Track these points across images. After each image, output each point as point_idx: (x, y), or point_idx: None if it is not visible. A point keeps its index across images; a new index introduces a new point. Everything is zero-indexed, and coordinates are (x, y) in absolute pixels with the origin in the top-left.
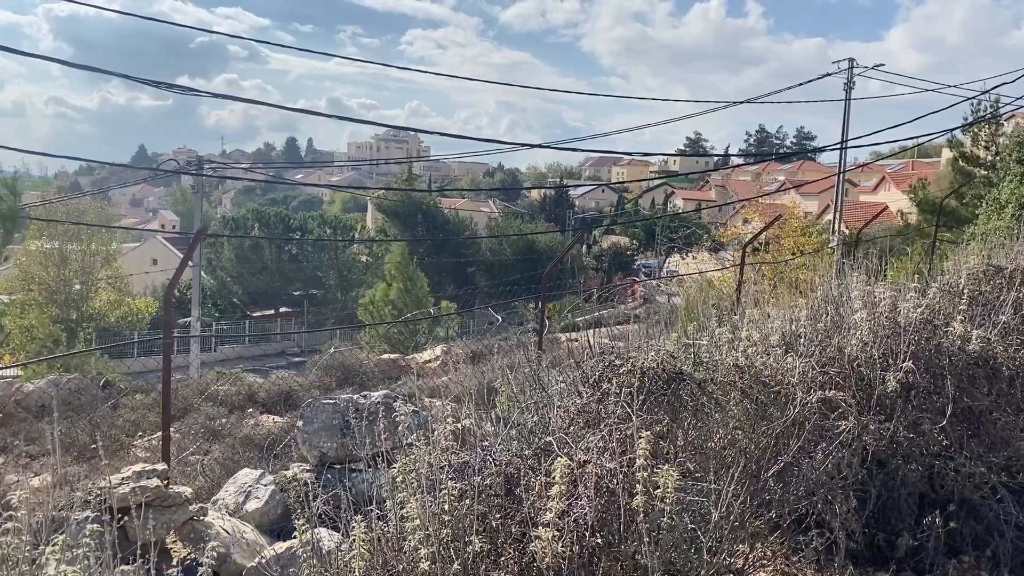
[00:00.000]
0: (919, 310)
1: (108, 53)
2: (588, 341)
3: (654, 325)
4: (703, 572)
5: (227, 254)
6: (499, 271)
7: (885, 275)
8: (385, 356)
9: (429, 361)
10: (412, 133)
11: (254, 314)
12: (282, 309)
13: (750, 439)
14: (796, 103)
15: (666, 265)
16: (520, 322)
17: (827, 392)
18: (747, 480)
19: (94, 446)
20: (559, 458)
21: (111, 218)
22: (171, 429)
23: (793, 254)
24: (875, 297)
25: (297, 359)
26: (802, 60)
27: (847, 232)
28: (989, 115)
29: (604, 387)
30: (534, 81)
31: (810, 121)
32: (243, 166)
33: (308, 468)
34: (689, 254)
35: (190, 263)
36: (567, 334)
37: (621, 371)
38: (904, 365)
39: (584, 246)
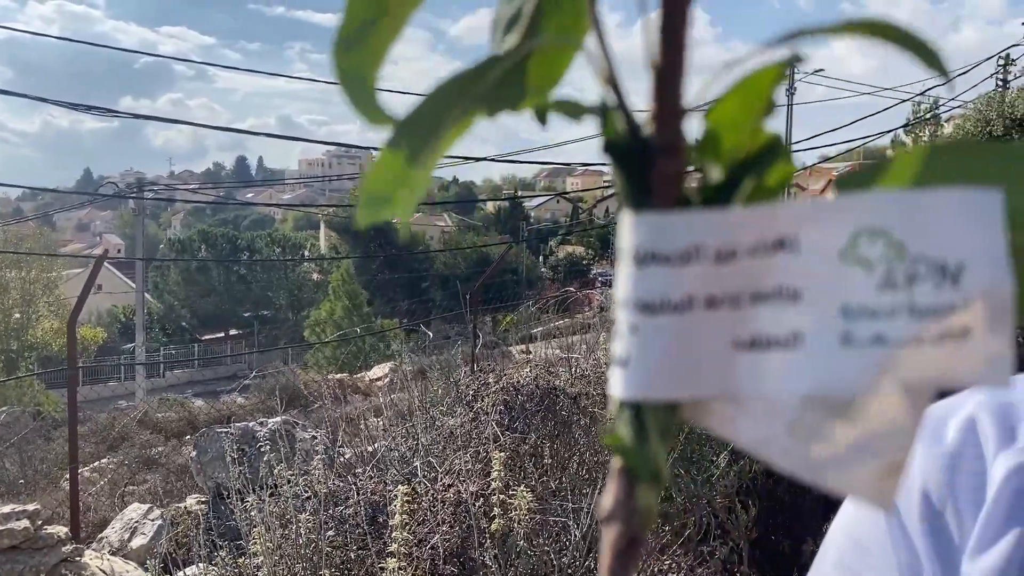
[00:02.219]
0: None
1: (51, 75)
2: (540, 353)
3: (599, 334)
4: None
5: (174, 277)
6: (454, 284)
7: None
8: (333, 376)
9: (378, 379)
10: (365, 149)
11: (203, 337)
12: (232, 331)
13: None
14: None
15: None
16: (465, 338)
17: None
18: None
19: (22, 480)
20: (401, 485)
21: (54, 244)
22: (105, 460)
23: None
24: None
25: (248, 381)
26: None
27: None
28: (928, 116)
29: (477, 406)
30: None
31: None
32: (190, 187)
33: (203, 500)
34: None
35: (135, 287)
36: (523, 346)
37: (494, 389)
38: None
39: (540, 257)
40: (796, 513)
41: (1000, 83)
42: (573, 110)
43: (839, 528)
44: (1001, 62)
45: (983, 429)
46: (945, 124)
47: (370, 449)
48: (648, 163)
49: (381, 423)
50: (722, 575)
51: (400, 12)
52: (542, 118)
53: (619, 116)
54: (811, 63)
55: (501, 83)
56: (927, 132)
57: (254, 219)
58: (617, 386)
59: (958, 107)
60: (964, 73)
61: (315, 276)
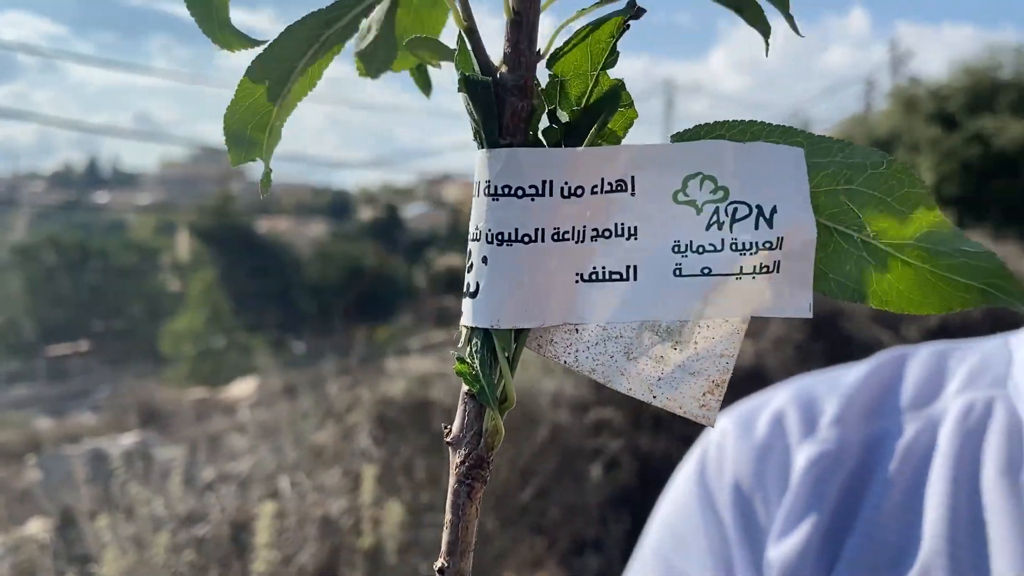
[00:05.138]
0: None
1: None
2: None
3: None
4: None
5: (17, 285)
6: (326, 296)
7: None
8: (192, 392)
9: (242, 395)
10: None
11: (51, 351)
12: (83, 345)
13: (508, 462)
14: None
15: None
16: (341, 352)
17: (599, 411)
18: (504, 506)
19: None
20: (266, 505)
21: None
22: None
23: None
24: None
25: (100, 398)
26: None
27: None
28: None
29: (349, 421)
30: (363, 96)
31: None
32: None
33: (49, 525)
34: None
35: None
36: (399, 359)
37: (367, 403)
38: None
39: (418, 268)
40: None
41: (865, 105)
42: (432, 52)
43: (657, 519)
44: (866, 85)
45: (789, 423)
46: None
47: (234, 467)
48: (500, 102)
49: (245, 441)
50: None
51: None
52: (421, 82)
53: (474, 58)
54: (694, 77)
55: (376, 42)
56: None
57: (112, 222)
58: (466, 315)
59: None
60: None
61: (174, 285)
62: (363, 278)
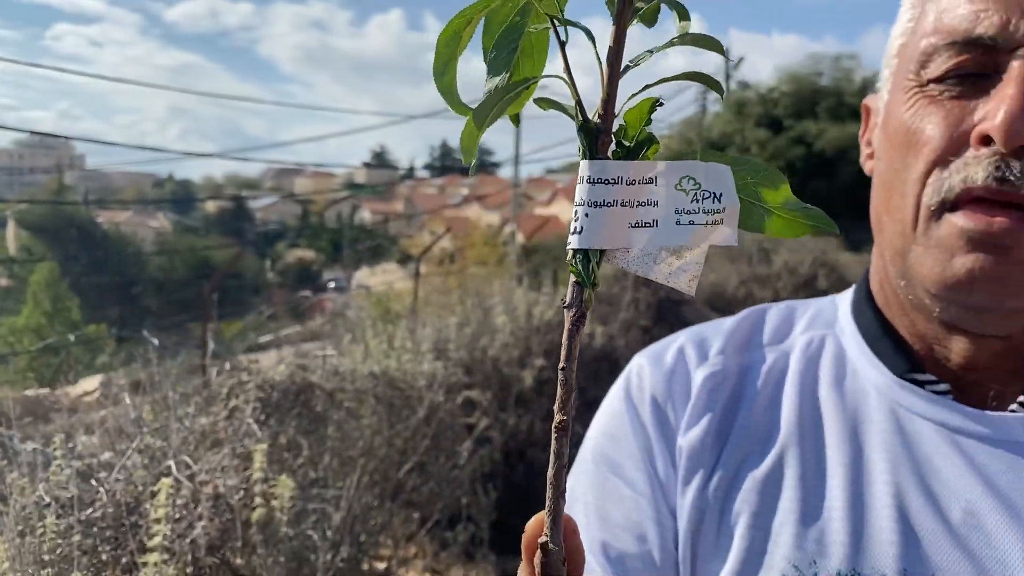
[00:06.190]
0: (551, 311)
1: None
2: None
3: (338, 341)
4: (325, 574)
5: None
6: (171, 289)
7: (558, 280)
8: (30, 392)
9: (86, 394)
10: (63, 139)
11: None
12: None
13: (386, 441)
14: None
15: (355, 278)
16: (198, 344)
17: (469, 392)
18: (382, 482)
19: None
20: (164, 480)
21: None
22: None
23: (476, 265)
24: (513, 302)
25: None
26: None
27: (524, 242)
28: None
29: (232, 404)
30: (208, 86)
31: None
32: None
33: None
34: (378, 267)
35: None
36: (250, 355)
37: (248, 387)
38: (538, 363)
39: (267, 261)
40: (531, 495)
41: (700, 108)
42: (554, 104)
43: (594, 430)
44: (701, 89)
45: (688, 354)
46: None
47: (113, 459)
48: (595, 136)
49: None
50: (464, 558)
51: (459, 52)
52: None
53: (582, 112)
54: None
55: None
56: None
57: None
58: (573, 242)
59: (665, 129)
60: (670, 99)
61: (2, 282)
62: (210, 271)
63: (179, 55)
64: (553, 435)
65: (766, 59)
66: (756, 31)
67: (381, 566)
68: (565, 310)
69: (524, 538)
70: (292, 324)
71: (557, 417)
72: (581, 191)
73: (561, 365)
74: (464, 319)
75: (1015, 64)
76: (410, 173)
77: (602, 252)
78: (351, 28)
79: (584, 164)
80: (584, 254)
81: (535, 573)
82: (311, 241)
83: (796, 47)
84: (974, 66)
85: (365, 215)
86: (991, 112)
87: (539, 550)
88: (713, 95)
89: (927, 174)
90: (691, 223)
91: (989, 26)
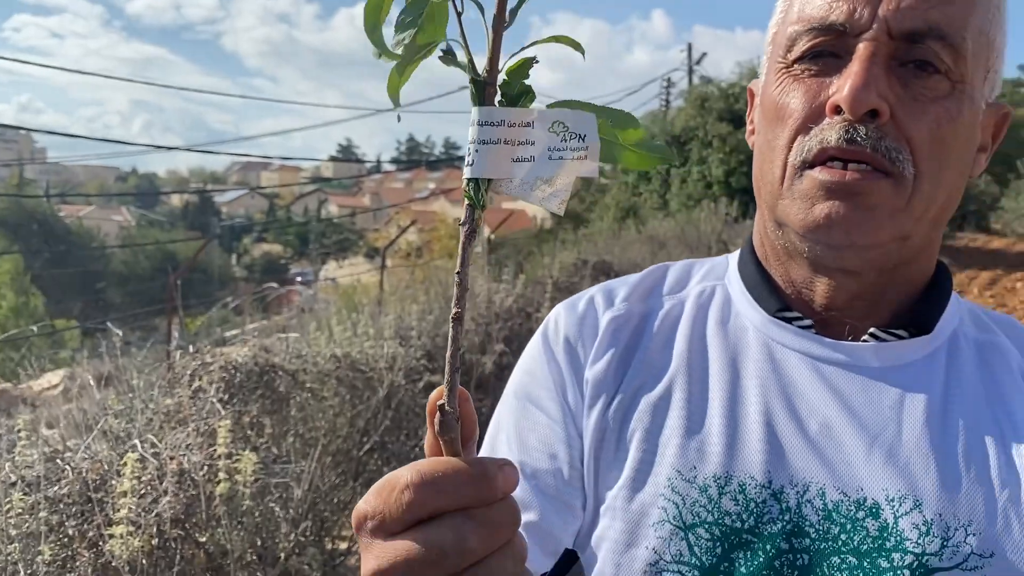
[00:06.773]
0: (511, 299)
1: None
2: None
3: (305, 332)
4: (287, 547)
5: None
6: (135, 284)
7: (522, 271)
8: None
9: (49, 388)
10: (23, 132)
11: None
12: None
13: (348, 422)
14: (443, 113)
15: (322, 272)
16: (163, 340)
17: (432, 377)
18: (345, 461)
19: None
20: (130, 454)
21: None
22: None
23: (442, 258)
24: (475, 291)
25: None
26: (446, 71)
27: (490, 236)
28: None
29: (196, 384)
30: (173, 79)
31: (455, 132)
32: None
33: None
34: (345, 260)
35: None
36: (218, 349)
37: (212, 368)
38: (498, 348)
39: (233, 255)
40: None
41: (664, 103)
42: (452, 60)
43: (517, 370)
44: (665, 84)
45: (597, 301)
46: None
47: (77, 441)
48: (483, 87)
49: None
50: None
51: (383, 18)
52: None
53: (472, 68)
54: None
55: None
56: None
57: None
58: (466, 172)
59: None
60: (634, 93)
61: None
62: (175, 266)
63: (142, 48)
64: (450, 324)
65: (731, 55)
66: (721, 27)
67: (343, 546)
68: (460, 227)
69: (427, 405)
70: (258, 318)
71: (454, 310)
72: (472, 132)
73: (457, 270)
74: (427, 307)
75: (860, 46)
76: (377, 167)
77: (489, 180)
78: (317, 22)
79: (475, 110)
80: (475, 182)
81: (435, 432)
82: (278, 235)
83: (759, 43)
84: (829, 47)
85: (332, 209)
86: (840, 86)
87: (437, 412)
88: (675, 90)
89: (792, 140)
90: (561, 158)
91: (840, 14)
